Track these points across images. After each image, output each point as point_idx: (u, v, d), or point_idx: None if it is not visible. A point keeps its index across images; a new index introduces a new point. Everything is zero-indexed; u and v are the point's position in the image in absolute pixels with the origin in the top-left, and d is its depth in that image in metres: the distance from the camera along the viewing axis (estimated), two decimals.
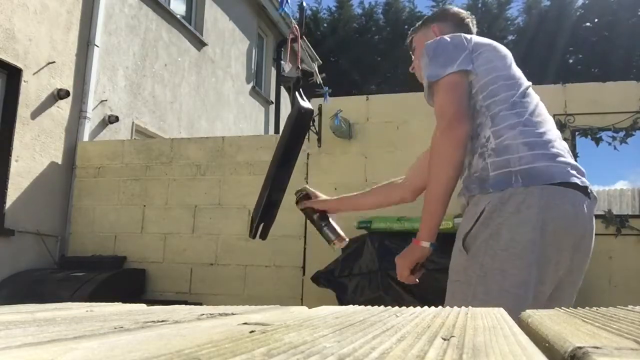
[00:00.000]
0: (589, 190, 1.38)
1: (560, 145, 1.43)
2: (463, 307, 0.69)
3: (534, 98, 1.52)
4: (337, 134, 4.54)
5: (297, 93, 1.67)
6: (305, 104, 1.62)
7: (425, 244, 1.46)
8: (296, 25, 2.00)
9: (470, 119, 1.44)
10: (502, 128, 1.41)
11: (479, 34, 1.71)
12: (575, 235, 1.36)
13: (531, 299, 1.28)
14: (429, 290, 3.55)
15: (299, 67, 1.88)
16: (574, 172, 1.37)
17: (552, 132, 1.45)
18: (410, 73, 1.81)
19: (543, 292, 1.33)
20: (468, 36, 1.56)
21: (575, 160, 1.42)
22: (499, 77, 1.48)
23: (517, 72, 1.56)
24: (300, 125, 1.64)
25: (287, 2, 2.18)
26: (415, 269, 1.52)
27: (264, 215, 1.69)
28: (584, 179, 1.38)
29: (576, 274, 1.43)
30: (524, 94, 1.49)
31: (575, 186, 1.34)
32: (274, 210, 1.71)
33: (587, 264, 1.44)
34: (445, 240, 4.01)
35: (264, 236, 1.72)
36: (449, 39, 1.54)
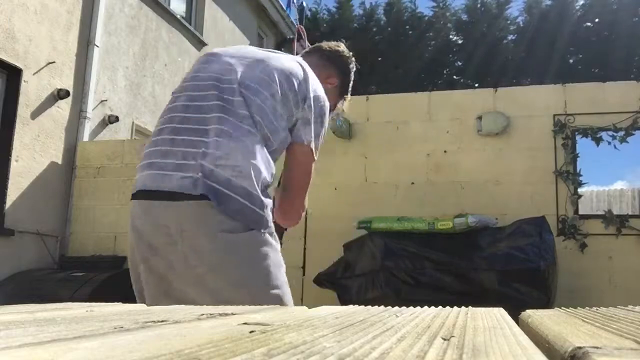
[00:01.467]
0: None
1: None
2: (463, 307, 0.69)
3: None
4: (337, 134, 4.54)
5: None
6: None
7: None
8: (301, 26, 2.01)
9: None
10: None
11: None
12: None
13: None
14: (432, 288, 3.56)
15: None
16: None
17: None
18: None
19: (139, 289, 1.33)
20: None
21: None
22: None
23: None
24: None
25: (293, 2, 2.18)
26: None
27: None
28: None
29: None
30: None
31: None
32: None
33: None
34: (447, 240, 4.01)
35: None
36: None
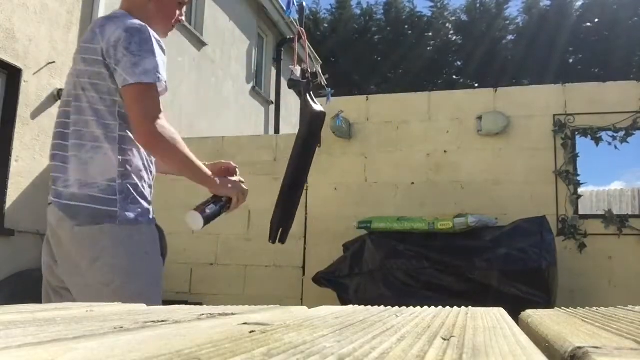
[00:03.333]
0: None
1: None
2: (463, 307, 0.69)
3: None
4: (337, 134, 4.54)
5: (307, 96, 1.70)
6: (317, 107, 1.68)
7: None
8: (301, 28, 2.00)
9: None
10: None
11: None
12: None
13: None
14: (432, 287, 3.56)
15: (307, 70, 1.88)
16: None
17: None
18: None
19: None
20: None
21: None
22: None
23: None
24: (313, 129, 1.70)
25: (293, 3, 2.16)
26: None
27: (283, 219, 1.72)
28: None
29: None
30: None
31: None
32: (292, 213, 1.75)
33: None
34: (446, 240, 4.00)
35: (283, 240, 1.75)
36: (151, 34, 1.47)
